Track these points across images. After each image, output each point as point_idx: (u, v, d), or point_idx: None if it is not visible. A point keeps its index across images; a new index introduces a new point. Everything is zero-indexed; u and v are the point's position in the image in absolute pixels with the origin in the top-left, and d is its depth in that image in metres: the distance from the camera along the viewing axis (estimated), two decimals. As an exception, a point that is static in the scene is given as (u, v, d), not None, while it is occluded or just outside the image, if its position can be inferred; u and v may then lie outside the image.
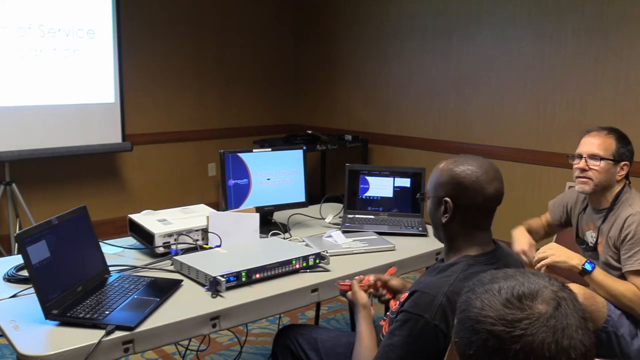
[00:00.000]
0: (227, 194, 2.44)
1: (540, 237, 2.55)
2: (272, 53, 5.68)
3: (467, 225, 1.50)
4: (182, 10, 5.04)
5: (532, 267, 2.13)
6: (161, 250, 2.09)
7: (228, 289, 1.79)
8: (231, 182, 2.46)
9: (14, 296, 1.75)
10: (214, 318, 1.68)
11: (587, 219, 2.33)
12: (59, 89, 4.18)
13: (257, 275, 1.88)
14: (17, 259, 1.97)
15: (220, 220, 2.19)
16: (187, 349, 2.49)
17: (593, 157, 2.18)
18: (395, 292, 1.82)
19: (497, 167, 1.52)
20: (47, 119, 4.15)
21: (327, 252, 2.05)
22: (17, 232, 1.75)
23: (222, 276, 1.78)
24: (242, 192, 2.49)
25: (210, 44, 5.24)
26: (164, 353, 2.84)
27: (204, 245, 2.16)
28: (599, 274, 2.09)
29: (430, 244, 2.30)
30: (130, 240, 2.28)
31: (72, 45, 4.19)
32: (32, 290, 1.64)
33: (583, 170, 2.19)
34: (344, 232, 2.38)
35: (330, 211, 2.73)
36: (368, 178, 2.68)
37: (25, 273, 1.81)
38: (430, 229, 1.99)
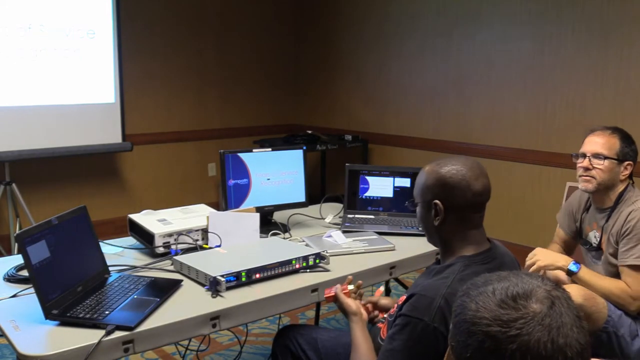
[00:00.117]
0: (227, 194, 2.44)
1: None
2: (272, 53, 5.68)
3: (460, 225, 1.50)
4: (182, 10, 5.04)
5: None
6: (161, 250, 2.09)
7: (228, 289, 1.79)
8: (231, 182, 2.46)
9: (14, 296, 1.75)
10: (214, 318, 1.68)
11: (590, 219, 2.33)
12: (59, 89, 4.18)
13: (257, 275, 1.88)
14: (17, 259, 1.96)
15: (220, 220, 2.19)
16: (187, 349, 2.49)
17: (597, 156, 2.18)
18: (387, 311, 1.81)
19: (480, 163, 1.53)
20: (47, 119, 4.15)
21: (327, 252, 2.05)
22: (17, 232, 1.75)
23: (222, 276, 1.78)
24: (242, 192, 2.49)
25: (210, 44, 5.24)
26: (164, 353, 2.84)
27: (204, 245, 2.16)
28: (585, 274, 2.12)
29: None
30: (130, 240, 2.28)
31: (72, 45, 4.19)
32: (32, 290, 1.64)
33: (587, 169, 2.20)
34: (344, 232, 2.38)
35: (330, 211, 2.73)
36: (368, 178, 2.68)
37: (25, 273, 1.81)
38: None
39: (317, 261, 2.02)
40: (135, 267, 2.00)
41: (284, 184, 2.58)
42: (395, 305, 1.58)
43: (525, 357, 0.83)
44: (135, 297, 1.71)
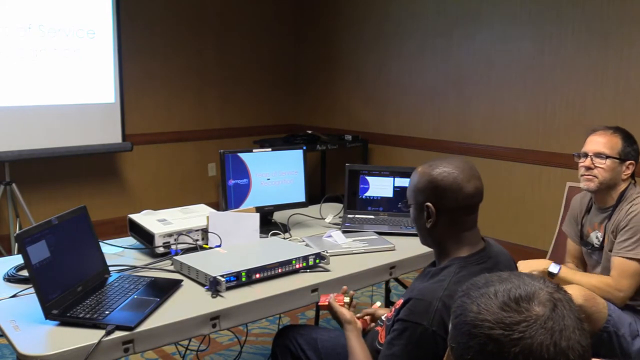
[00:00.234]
0: (227, 194, 2.44)
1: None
2: (272, 53, 5.68)
3: (453, 227, 1.50)
4: (182, 10, 5.04)
5: None
6: (161, 250, 2.09)
7: (228, 289, 1.79)
8: (231, 182, 2.46)
9: (14, 296, 1.75)
10: (214, 318, 1.68)
11: (591, 220, 2.34)
12: (59, 89, 4.18)
13: (257, 275, 1.88)
14: (17, 259, 1.96)
15: (220, 220, 2.19)
16: (187, 349, 2.49)
17: (599, 155, 2.19)
18: None
19: (473, 164, 1.52)
20: (47, 119, 4.14)
21: (327, 252, 2.05)
22: (17, 232, 1.75)
23: (222, 276, 1.78)
24: (242, 192, 2.49)
25: (210, 44, 5.24)
26: (164, 353, 2.84)
27: (204, 245, 2.16)
28: (567, 273, 2.16)
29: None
30: (130, 240, 2.27)
31: (72, 45, 4.19)
32: (32, 290, 1.64)
33: (588, 168, 2.21)
34: (344, 232, 2.38)
35: (330, 211, 2.73)
36: (368, 178, 2.68)
37: (25, 273, 1.81)
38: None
39: (317, 261, 2.02)
40: (135, 267, 2.00)
41: (284, 184, 2.58)
42: (393, 308, 1.57)
43: None
44: (135, 297, 1.71)
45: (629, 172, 2.21)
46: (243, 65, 5.48)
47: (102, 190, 4.76)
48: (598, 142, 2.21)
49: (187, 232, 2.14)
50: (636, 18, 3.50)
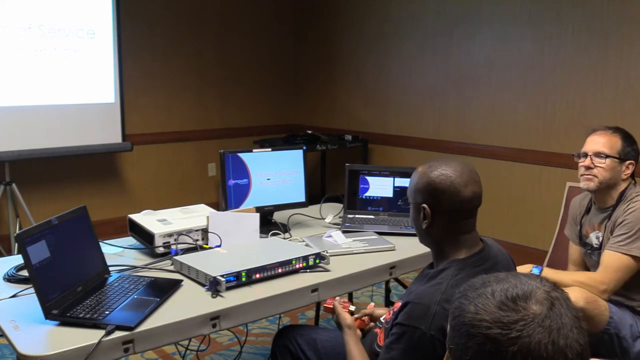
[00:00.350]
0: (227, 194, 2.44)
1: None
2: (272, 53, 5.68)
3: (450, 230, 1.49)
4: (182, 10, 5.04)
5: None
6: (161, 250, 2.09)
7: (228, 289, 1.79)
8: (231, 182, 2.46)
9: (14, 296, 1.75)
10: (214, 318, 1.68)
11: (590, 220, 2.33)
12: (59, 89, 4.18)
13: (257, 275, 1.88)
14: (17, 259, 1.96)
15: (220, 220, 2.19)
16: (187, 349, 2.49)
17: (598, 154, 2.19)
18: None
19: (473, 168, 1.51)
20: (47, 119, 4.14)
21: (327, 252, 2.05)
22: (17, 232, 1.75)
23: (222, 276, 1.78)
24: (242, 192, 2.49)
25: (210, 44, 5.24)
26: (164, 353, 2.84)
27: (204, 245, 2.16)
28: (549, 273, 2.19)
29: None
30: (130, 240, 2.27)
31: (72, 45, 4.19)
32: (32, 290, 1.64)
33: (588, 168, 2.21)
34: (344, 232, 2.38)
35: (330, 211, 2.73)
36: (368, 178, 2.68)
37: (25, 273, 1.81)
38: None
39: (317, 261, 2.02)
40: (135, 267, 2.00)
41: (284, 184, 2.58)
42: (391, 311, 1.58)
43: (526, 359, 0.82)
44: (135, 297, 1.71)
45: (629, 172, 2.21)
46: (243, 65, 5.48)
47: (102, 190, 4.76)
48: (598, 142, 2.21)
49: (187, 232, 2.14)
50: (636, 18, 3.50)
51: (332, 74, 5.51)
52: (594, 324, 1.99)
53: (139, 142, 4.78)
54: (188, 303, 1.72)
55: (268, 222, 2.53)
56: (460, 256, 1.48)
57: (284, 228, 2.47)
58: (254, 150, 2.55)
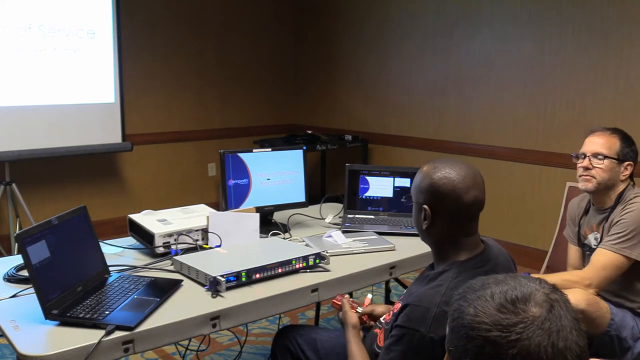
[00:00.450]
0: (227, 194, 2.44)
1: None
2: (272, 53, 5.68)
3: (451, 232, 1.49)
4: (182, 10, 5.04)
5: None
6: (161, 250, 2.09)
7: (228, 289, 1.79)
8: (231, 182, 2.46)
9: (14, 296, 1.75)
10: (214, 318, 1.68)
11: (588, 222, 2.33)
12: (59, 89, 4.18)
13: (257, 275, 1.88)
14: (17, 259, 1.96)
15: (220, 220, 2.19)
16: (187, 349, 2.49)
17: (597, 155, 2.19)
18: None
19: (478, 173, 1.49)
20: (47, 119, 4.14)
21: (327, 252, 2.05)
22: (17, 232, 1.75)
23: (222, 276, 1.78)
24: (242, 192, 2.49)
25: (210, 44, 5.24)
26: (164, 353, 2.84)
27: (204, 245, 2.16)
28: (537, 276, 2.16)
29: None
30: (130, 240, 2.27)
31: (72, 45, 4.19)
32: (32, 290, 1.64)
33: (587, 168, 2.20)
34: (344, 232, 2.38)
35: (330, 211, 2.73)
36: (368, 178, 2.68)
37: (25, 273, 1.81)
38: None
39: (317, 261, 2.02)
40: (135, 267, 2.00)
41: (284, 184, 2.58)
42: (391, 312, 1.58)
43: None
44: (135, 297, 1.71)
45: (627, 173, 2.21)
46: (243, 65, 5.48)
47: (102, 190, 4.76)
48: (596, 143, 2.21)
49: (187, 232, 2.14)
50: (636, 18, 3.50)
51: (332, 74, 5.51)
52: (595, 326, 1.98)
53: (139, 142, 4.78)
54: (188, 303, 1.72)
55: (268, 222, 2.53)
56: (460, 258, 1.48)
57: (284, 228, 2.47)
58: (254, 150, 2.55)
